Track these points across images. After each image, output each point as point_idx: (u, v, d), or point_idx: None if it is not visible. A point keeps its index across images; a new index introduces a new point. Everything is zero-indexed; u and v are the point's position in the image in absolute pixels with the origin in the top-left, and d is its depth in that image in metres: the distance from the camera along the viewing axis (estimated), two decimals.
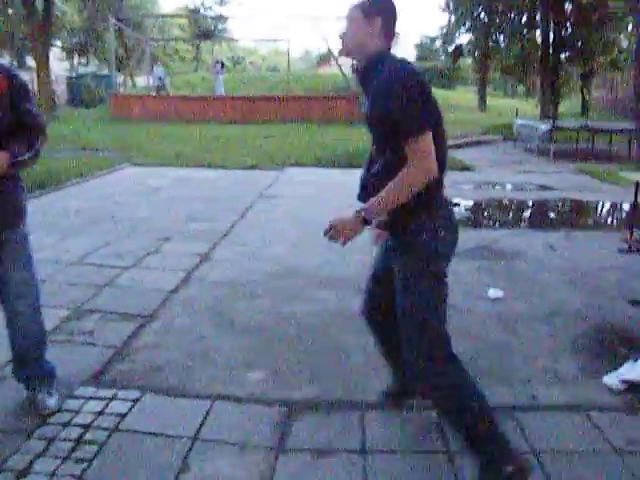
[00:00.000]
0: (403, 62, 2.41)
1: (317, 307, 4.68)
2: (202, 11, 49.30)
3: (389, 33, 2.46)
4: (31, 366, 3.23)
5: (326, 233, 2.48)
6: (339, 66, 24.72)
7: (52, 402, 3.18)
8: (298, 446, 2.92)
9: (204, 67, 49.44)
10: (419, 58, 52.90)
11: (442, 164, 2.42)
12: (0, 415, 3.13)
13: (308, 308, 4.66)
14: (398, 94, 2.28)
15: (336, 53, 24.54)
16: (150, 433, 2.99)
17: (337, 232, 2.45)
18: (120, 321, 4.35)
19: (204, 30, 47.25)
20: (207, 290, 5.05)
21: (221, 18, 47.48)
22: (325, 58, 58.86)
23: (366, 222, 2.43)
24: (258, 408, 3.26)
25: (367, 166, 2.67)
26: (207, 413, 3.18)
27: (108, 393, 3.35)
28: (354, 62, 2.58)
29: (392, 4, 2.47)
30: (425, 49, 58.12)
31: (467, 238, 6.73)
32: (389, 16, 2.45)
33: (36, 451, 2.83)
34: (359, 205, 2.50)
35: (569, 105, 30.46)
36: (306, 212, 8.04)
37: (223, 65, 27.97)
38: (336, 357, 3.87)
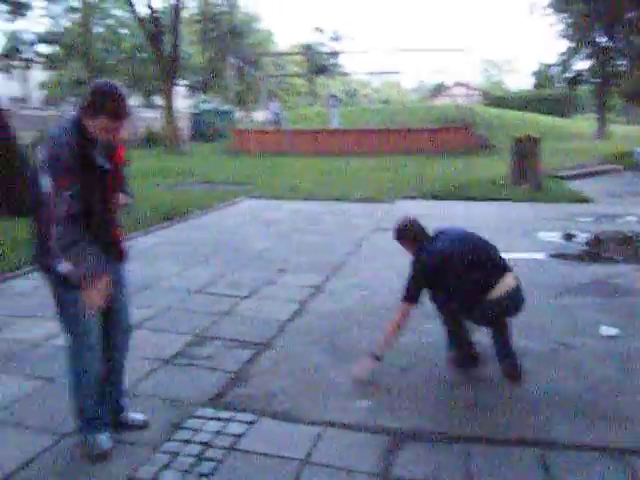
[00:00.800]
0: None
1: (427, 339, 4.77)
2: (316, 47, 50.77)
3: None
4: (122, 385, 3.55)
5: None
6: (452, 97, 24.67)
7: (140, 416, 3.53)
8: (403, 475, 3.02)
9: (319, 101, 50.76)
10: (536, 86, 51.66)
11: None
12: (132, 429, 3.44)
13: (418, 339, 4.76)
14: None
15: (448, 84, 24.52)
16: (264, 454, 3.19)
17: None
18: (238, 348, 4.64)
19: (318, 65, 48.61)
20: (320, 320, 5.26)
21: (334, 53, 48.69)
22: (438, 89, 58.86)
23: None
24: (365, 436, 3.39)
25: None
26: (317, 438, 3.35)
27: (226, 415, 3.60)
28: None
29: None
30: (542, 76, 56.75)
31: (582, 273, 6.58)
32: None
33: (162, 463, 3.11)
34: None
35: None
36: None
37: (337, 99, 28.63)
38: (443, 389, 3.94)
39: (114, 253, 3.23)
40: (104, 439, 3.23)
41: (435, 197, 12.53)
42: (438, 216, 10.37)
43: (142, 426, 3.49)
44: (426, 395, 3.87)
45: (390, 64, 78.44)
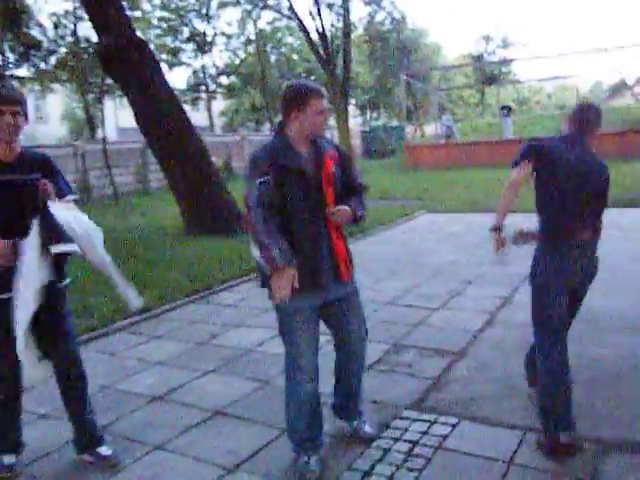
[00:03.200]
0: None
1: (622, 352, 4.69)
2: (486, 57, 49.89)
3: None
4: (357, 400, 3.70)
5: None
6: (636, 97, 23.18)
7: (369, 429, 3.66)
8: None
9: (489, 111, 49.76)
10: None
11: None
12: (344, 428, 3.78)
13: (613, 352, 4.69)
14: None
15: (630, 83, 23.02)
16: (470, 454, 3.38)
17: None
18: (434, 356, 4.88)
19: (488, 75, 47.73)
20: (512, 331, 5.33)
21: (504, 62, 47.56)
22: (617, 89, 55.28)
23: None
24: None
25: None
26: (520, 442, 3.48)
27: (429, 417, 3.84)
28: None
29: None
30: None
31: None
32: None
33: (375, 458, 3.41)
34: None
35: None
36: (614, 256, 7.87)
37: (510, 109, 28.02)
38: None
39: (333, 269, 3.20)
40: (313, 463, 3.28)
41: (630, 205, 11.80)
42: (633, 228, 9.89)
43: (371, 438, 3.60)
44: (632, 407, 3.84)
45: (564, 67, 74.93)
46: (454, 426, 3.71)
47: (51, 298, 3.27)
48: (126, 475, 3.43)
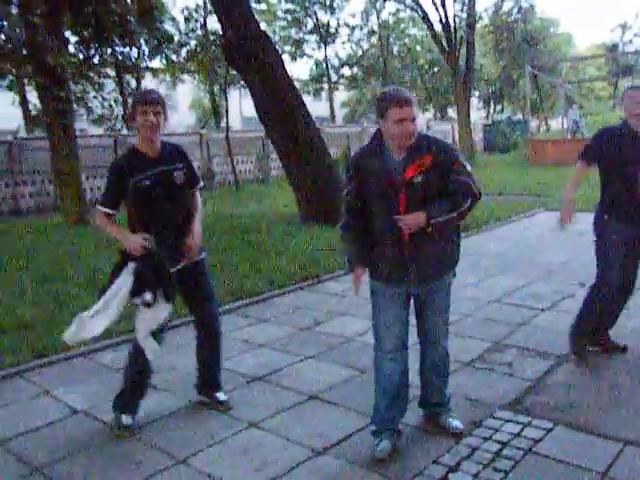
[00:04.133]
0: None
1: None
2: (621, 47, 47.13)
3: None
4: (438, 394, 3.73)
5: None
6: None
7: (458, 424, 3.69)
8: None
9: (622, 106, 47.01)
10: None
11: None
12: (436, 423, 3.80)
13: None
14: None
15: None
16: (561, 461, 3.30)
17: None
18: (535, 357, 4.77)
19: (623, 66, 45.07)
20: (621, 339, 5.09)
21: (638, 52, 44.71)
22: None
23: None
24: None
25: None
26: (618, 455, 3.34)
27: (523, 419, 3.77)
28: None
29: None
30: None
31: None
32: None
33: (463, 455, 3.41)
34: None
35: None
36: None
37: None
38: None
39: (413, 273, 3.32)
40: (382, 446, 3.42)
41: None
42: None
43: (456, 433, 3.63)
44: None
45: None
46: (549, 431, 3.62)
47: (197, 267, 3.93)
48: (221, 447, 3.64)
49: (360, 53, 42.11)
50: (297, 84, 12.52)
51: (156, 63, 28.08)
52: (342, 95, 47.04)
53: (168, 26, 25.98)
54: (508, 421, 3.76)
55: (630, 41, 47.57)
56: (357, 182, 3.28)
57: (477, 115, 45.85)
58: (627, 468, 3.22)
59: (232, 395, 4.32)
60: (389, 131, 3.14)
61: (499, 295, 6.52)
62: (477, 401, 4.07)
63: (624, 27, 47.68)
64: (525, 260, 8.16)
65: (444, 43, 27.86)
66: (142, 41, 24.05)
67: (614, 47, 47.24)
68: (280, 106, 11.00)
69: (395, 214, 3.19)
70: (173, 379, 4.67)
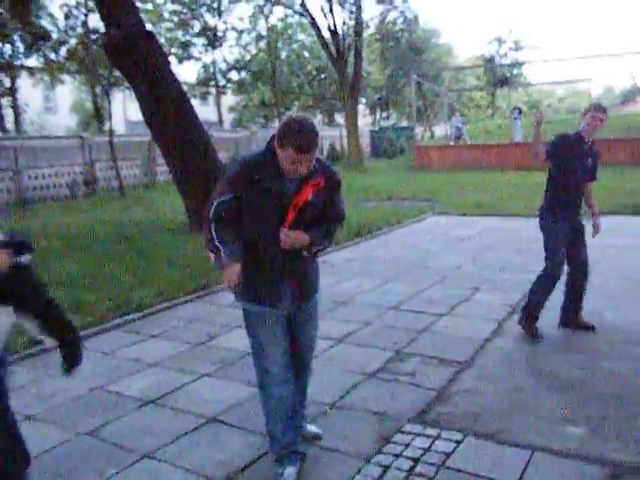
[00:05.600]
0: None
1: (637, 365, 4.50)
2: (497, 59, 49.60)
3: None
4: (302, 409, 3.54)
5: None
6: None
7: (315, 429, 3.65)
8: None
9: (500, 114, 49.50)
10: None
11: None
12: (344, 440, 3.60)
13: (627, 366, 4.50)
14: None
15: None
16: (475, 474, 3.19)
17: None
18: (438, 365, 4.68)
19: (499, 77, 47.42)
20: (520, 342, 5.14)
21: (516, 64, 47.28)
22: (630, 95, 54.80)
23: None
24: (578, 464, 3.26)
25: None
26: (527, 463, 3.28)
27: (432, 432, 3.65)
28: None
29: None
30: None
31: None
32: None
33: (374, 475, 3.22)
34: None
35: None
36: (629, 263, 7.68)
37: (520, 111, 27.76)
38: None
39: (290, 291, 3.14)
40: (287, 474, 3.17)
41: (632, 212, 11.65)
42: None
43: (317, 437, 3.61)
44: None
45: (575, 71, 74.78)
46: (459, 442, 3.52)
47: None
48: None
49: (248, 57, 41.75)
50: (184, 87, 12.05)
51: (33, 62, 26.48)
52: (230, 100, 46.48)
53: (46, 22, 24.54)
54: (418, 435, 3.63)
55: (505, 54, 50.10)
56: (240, 191, 2.98)
57: (364, 121, 46.68)
58: (537, 475, 3.17)
59: (121, 422, 3.93)
60: (282, 161, 2.91)
61: (397, 301, 6.45)
62: (384, 414, 3.91)
63: (500, 41, 50.18)
64: (419, 265, 8.18)
65: (332, 50, 28.08)
66: (17, 37, 22.56)
67: (491, 59, 49.60)
68: (166, 108, 10.52)
69: (277, 233, 3.00)
70: (54, 408, 4.21)
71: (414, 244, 9.76)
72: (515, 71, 49.63)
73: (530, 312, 5.24)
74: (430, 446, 3.49)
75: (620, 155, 21.03)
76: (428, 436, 3.61)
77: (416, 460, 3.35)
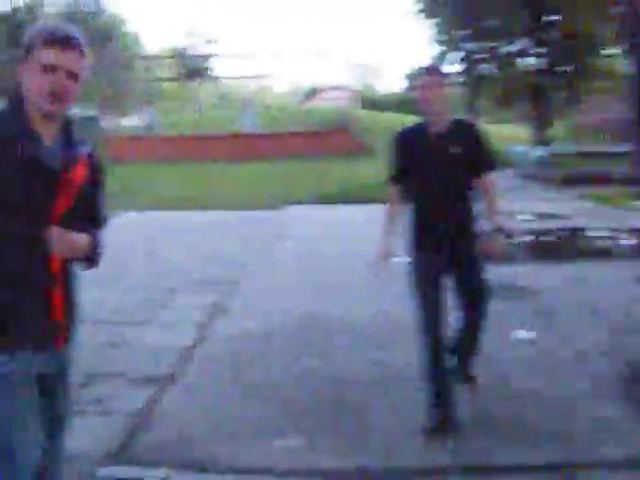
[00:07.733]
0: None
1: (339, 362, 4.44)
2: (189, 51, 49.75)
3: None
4: None
5: None
6: (328, 100, 24.85)
7: None
8: None
9: (192, 106, 49.71)
10: (409, 88, 53.22)
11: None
12: None
13: (328, 364, 4.42)
14: None
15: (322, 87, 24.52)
16: None
17: None
18: (136, 386, 4.06)
19: (191, 69, 47.55)
20: (227, 344, 4.80)
21: (206, 57, 47.91)
22: (312, 92, 59.28)
23: None
24: None
25: None
26: None
27: (135, 473, 3.07)
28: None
29: None
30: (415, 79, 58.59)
31: None
32: None
33: None
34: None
35: (555, 130, 30.68)
36: (317, 254, 7.86)
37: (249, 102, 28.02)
38: (360, 419, 3.58)
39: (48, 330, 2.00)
40: None
41: (324, 202, 12.30)
42: (332, 222, 10.19)
43: None
44: (347, 426, 3.50)
45: (264, 67, 78.84)
46: None
47: None
48: None
49: None
50: None
51: None
52: None
53: None
54: None
55: (196, 47, 50.38)
56: None
57: None
58: None
59: None
60: (30, 82, 1.88)
61: (85, 312, 5.59)
62: (77, 457, 3.00)
63: (191, 34, 50.40)
64: (112, 268, 7.34)
65: None
66: None
67: (183, 51, 49.57)
68: None
69: (43, 229, 1.87)
70: None
71: (110, 243, 8.88)
72: (206, 64, 50.18)
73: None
74: None
75: (310, 147, 22.32)
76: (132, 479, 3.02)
77: None
